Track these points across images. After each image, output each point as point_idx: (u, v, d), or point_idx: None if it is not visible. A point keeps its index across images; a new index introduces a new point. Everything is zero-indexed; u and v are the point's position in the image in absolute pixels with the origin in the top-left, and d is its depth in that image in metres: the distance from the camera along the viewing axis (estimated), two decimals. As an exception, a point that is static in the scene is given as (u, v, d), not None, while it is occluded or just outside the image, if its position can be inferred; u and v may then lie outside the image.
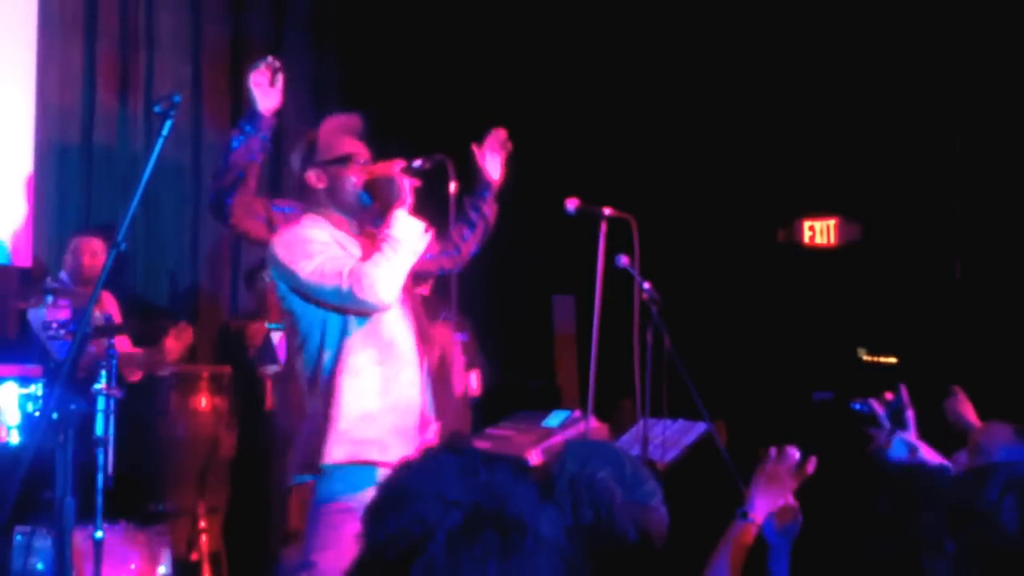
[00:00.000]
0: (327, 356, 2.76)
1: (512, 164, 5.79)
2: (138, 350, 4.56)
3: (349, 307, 2.71)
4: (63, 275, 4.70)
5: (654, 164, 6.06)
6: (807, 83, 5.72)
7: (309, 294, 2.73)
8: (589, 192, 3.82)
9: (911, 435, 3.87)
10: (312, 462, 2.73)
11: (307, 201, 2.90)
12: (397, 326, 2.83)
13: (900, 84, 5.48)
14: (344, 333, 2.75)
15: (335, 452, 2.70)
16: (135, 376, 4.40)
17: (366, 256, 2.74)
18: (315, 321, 2.77)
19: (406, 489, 1.40)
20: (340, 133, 2.91)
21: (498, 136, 3.34)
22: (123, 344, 4.65)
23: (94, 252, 4.62)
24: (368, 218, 2.91)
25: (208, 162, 5.80)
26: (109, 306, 4.77)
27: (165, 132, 2.55)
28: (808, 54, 5.71)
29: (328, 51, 6.26)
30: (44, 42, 5.19)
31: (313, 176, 2.86)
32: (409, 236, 2.75)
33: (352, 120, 2.96)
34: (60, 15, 5.27)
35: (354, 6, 6.25)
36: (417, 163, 2.92)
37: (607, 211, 3.81)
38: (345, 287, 2.65)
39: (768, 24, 5.81)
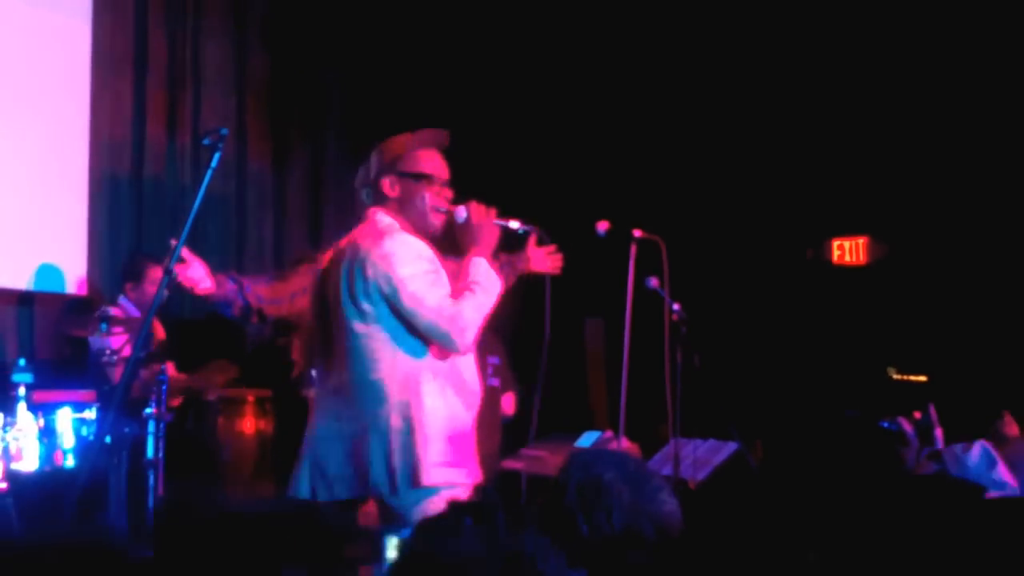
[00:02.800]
0: (406, 372, 2.74)
1: (544, 187, 5.89)
2: (182, 376, 4.69)
3: (435, 341, 2.74)
4: (122, 300, 4.85)
5: (683, 186, 6.11)
6: (835, 104, 5.75)
7: (401, 311, 2.73)
8: (619, 215, 3.88)
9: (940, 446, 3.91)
10: (414, 479, 2.70)
11: (381, 207, 2.88)
12: (468, 355, 2.86)
13: (928, 105, 5.50)
14: (420, 352, 2.76)
15: (434, 474, 2.70)
16: (175, 400, 4.52)
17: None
18: (390, 331, 2.75)
19: (429, 559, 1.46)
20: (424, 147, 2.91)
21: (554, 260, 3.27)
22: (168, 369, 4.80)
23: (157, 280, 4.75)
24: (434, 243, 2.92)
25: (252, 192, 6.00)
26: (157, 332, 4.91)
27: (214, 164, 2.68)
28: (837, 76, 5.75)
29: (365, 81, 6.43)
30: (97, 79, 5.40)
31: (388, 183, 2.86)
32: (495, 287, 2.80)
33: (439, 136, 2.95)
34: (112, 52, 5.48)
35: (392, 42, 6.41)
36: (513, 224, 2.96)
37: (637, 233, 3.86)
38: (444, 326, 2.69)
39: (798, 47, 5.85)
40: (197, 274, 3.10)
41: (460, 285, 2.78)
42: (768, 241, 5.95)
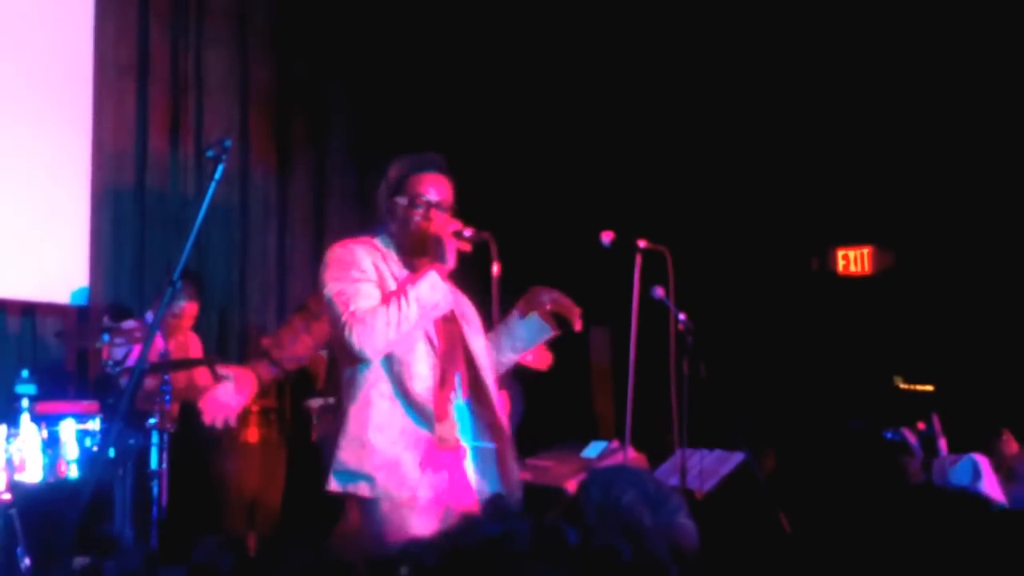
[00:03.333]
0: (347, 379, 2.81)
1: (549, 198, 5.85)
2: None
3: (343, 341, 2.74)
4: (148, 315, 4.85)
5: (688, 196, 6.11)
6: (840, 114, 5.76)
7: (327, 313, 2.82)
8: (624, 225, 3.86)
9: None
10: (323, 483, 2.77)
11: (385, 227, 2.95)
12: (420, 364, 2.81)
13: (932, 114, 5.50)
14: (364, 362, 2.78)
15: (332, 482, 2.75)
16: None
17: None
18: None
19: None
20: (422, 171, 2.91)
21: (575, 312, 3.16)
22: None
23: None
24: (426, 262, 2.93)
25: (255, 200, 5.99)
26: (193, 347, 4.90)
27: (218, 176, 2.64)
28: (841, 86, 5.75)
29: (368, 91, 6.42)
30: (99, 89, 5.39)
31: (385, 206, 2.93)
32: (428, 298, 2.75)
33: (436, 160, 2.95)
34: (115, 61, 5.46)
35: (395, 50, 6.41)
36: (466, 232, 2.94)
37: (642, 243, 3.85)
38: (342, 320, 2.70)
39: (801, 57, 5.85)
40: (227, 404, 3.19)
41: (392, 292, 2.78)
42: (773, 251, 5.94)
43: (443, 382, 2.88)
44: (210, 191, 2.62)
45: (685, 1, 6.07)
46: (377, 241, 2.89)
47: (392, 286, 2.81)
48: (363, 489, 2.72)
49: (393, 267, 2.86)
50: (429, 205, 2.88)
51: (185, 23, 5.77)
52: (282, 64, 6.18)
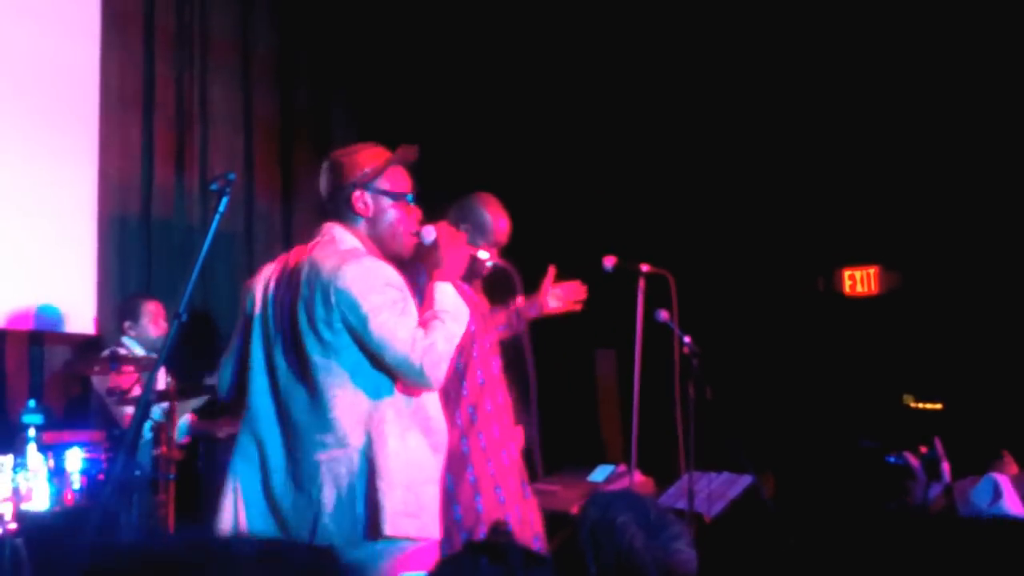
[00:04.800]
0: (368, 410, 2.53)
1: (551, 222, 5.86)
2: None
3: (405, 377, 2.53)
4: (126, 339, 4.86)
5: (692, 218, 6.12)
6: (844, 134, 5.77)
7: (367, 343, 2.51)
8: (626, 249, 3.87)
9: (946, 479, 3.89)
10: (374, 530, 2.47)
11: (341, 223, 2.68)
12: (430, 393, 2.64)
13: (938, 133, 5.51)
14: (384, 389, 2.55)
15: (399, 525, 2.48)
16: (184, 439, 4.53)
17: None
18: (352, 364, 2.53)
19: None
20: (396, 163, 2.72)
21: (578, 291, 3.50)
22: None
23: (157, 316, 4.84)
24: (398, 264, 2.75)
25: (260, 228, 6.02)
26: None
27: (222, 208, 2.58)
28: (847, 106, 5.77)
29: (371, 117, 6.46)
30: (105, 120, 5.44)
31: (358, 198, 2.66)
32: (462, 313, 2.62)
33: (409, 152, 2.74)
34: (120, 93, 5.51)
35: (397, 79, 6.45)
36: (482, 253, 2.93)
37: (645, 268, 3.86)
38: (416, 361, 2.47)
39: (807, 78, 5.88)
40: None
41: (427, 314, 2.57)
42: (778, 272, 5.94)
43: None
44: (214, 224, 2.57)
45: (690, 24, 6.10)
46: (348, 243, 2.62)
47: (411, 301, 2.60)
48: (422, 530, 2.52)
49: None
50: (408, 202, 2.72)
51: (190, 55, 5.83)
52: (285, 93, 6.23)
